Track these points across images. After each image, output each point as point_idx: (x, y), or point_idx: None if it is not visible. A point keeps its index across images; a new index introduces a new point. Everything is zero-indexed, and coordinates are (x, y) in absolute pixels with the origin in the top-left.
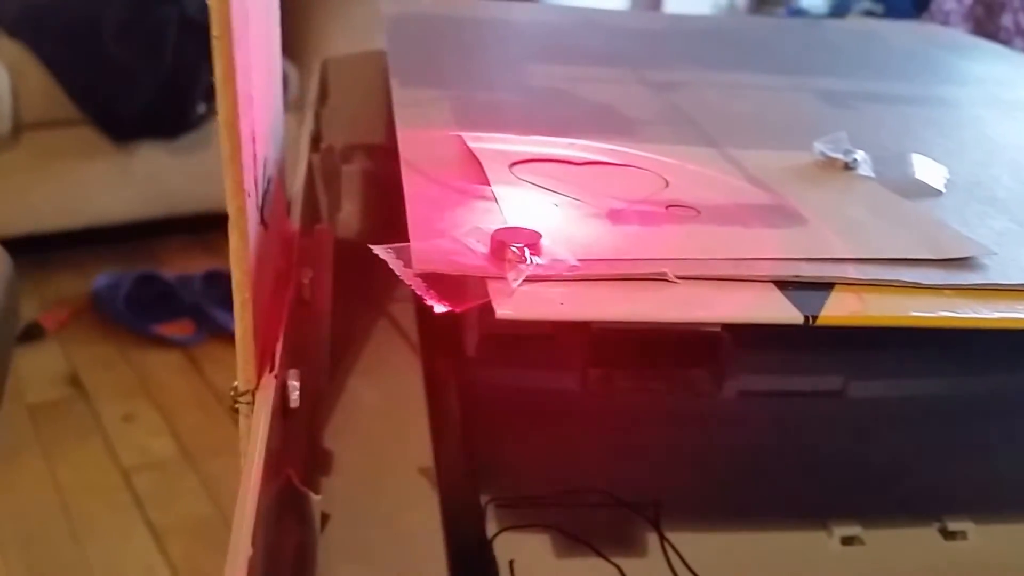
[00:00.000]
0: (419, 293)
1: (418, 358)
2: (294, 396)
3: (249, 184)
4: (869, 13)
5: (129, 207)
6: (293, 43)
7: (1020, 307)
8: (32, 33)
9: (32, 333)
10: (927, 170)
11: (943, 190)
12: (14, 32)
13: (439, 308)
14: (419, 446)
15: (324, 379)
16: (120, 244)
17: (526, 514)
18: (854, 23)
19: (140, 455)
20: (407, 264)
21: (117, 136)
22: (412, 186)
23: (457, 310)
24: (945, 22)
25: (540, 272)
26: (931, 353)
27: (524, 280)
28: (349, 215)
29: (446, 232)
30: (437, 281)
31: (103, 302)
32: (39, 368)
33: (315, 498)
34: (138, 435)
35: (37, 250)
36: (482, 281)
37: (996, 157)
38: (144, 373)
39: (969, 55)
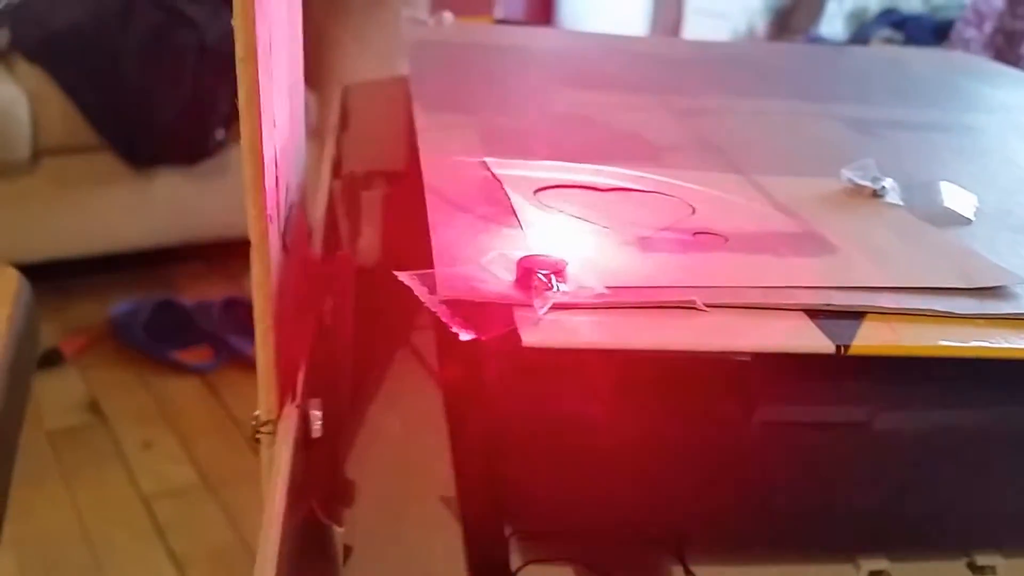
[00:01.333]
0: (445, 320)
1: (439, 387)
2: (316, 426)
3: (271, 209)
4: (889, 41)
5: (148, 233)
6: (310, 70)
7: None
8: (52, 60)
9: (51, 359)
10: (956, 198)
11: (972, 218)
12: (34, 59)
13: (465, 336)
14: (442, 476)
15: (346, 408)
16: (139, 270)
17: (551, 547)
18: (878, 50)
19: (160, 482)
20: (432, 291)
21: (136, 163)
22: (436, 212)
23: (483, 338)
24: (965, 49)
25: (567, 299)
26: (961, 384)
27: (551, 308)
28: (369, 242)
29: (471, 259)
30: (462, 308)
31: (122, 328)
32: (58, 394)
33: (338, 531)
34: (158, 462)
35: (56, 276)
36: (508, 309)
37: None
38: (163, 399)
39: (994, 82)
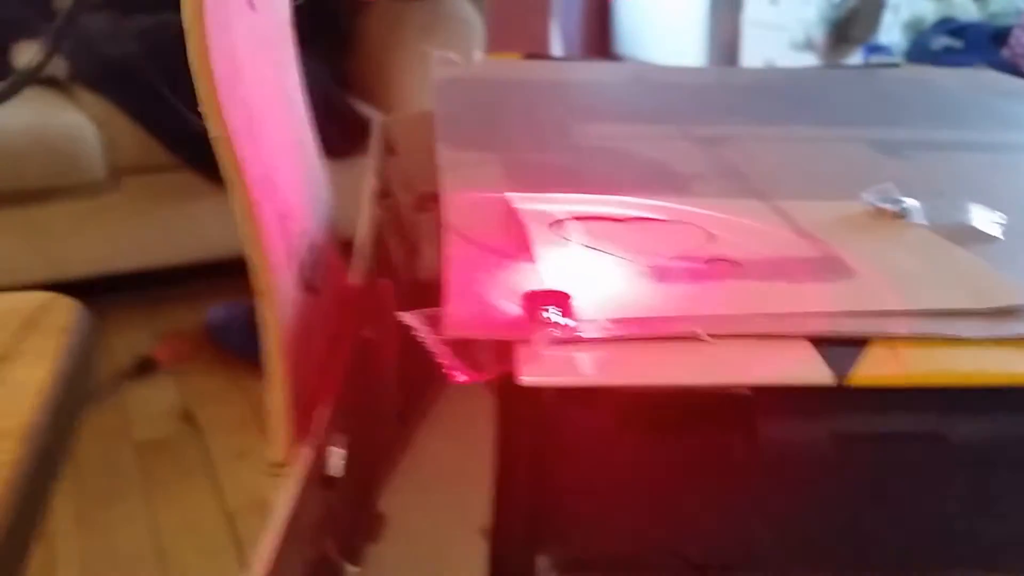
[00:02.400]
0: (442, 362)
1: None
2: (337, 464)
3: (277, 262)
4: (948, 49)
5: (237, 242)
6: (376, 96)
7: None
8: (113, 88)
9: (145, 368)
10: (981, 216)
11: (999, 236)
12: (95, 87)
13: (461, 377)
14: (482, 507)
15: (391, 437)
16: (234, 277)
17: None
18: (908, 71)
19: (247, 495)
20: (437, 329)
21: (214, 177)
22: (452, 250)
23: (479, 379)
24: None
25: (570, 335)
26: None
27: (554, 343)
28: (430, 258)
29: (483, 295)
30: (468, 344)
31: (218, 333)
32: (150, 403)
33: (353, 570)
34: (249, 473)
35: (151, 285)
36: (511, 345)
37: None
38: (260, 407)
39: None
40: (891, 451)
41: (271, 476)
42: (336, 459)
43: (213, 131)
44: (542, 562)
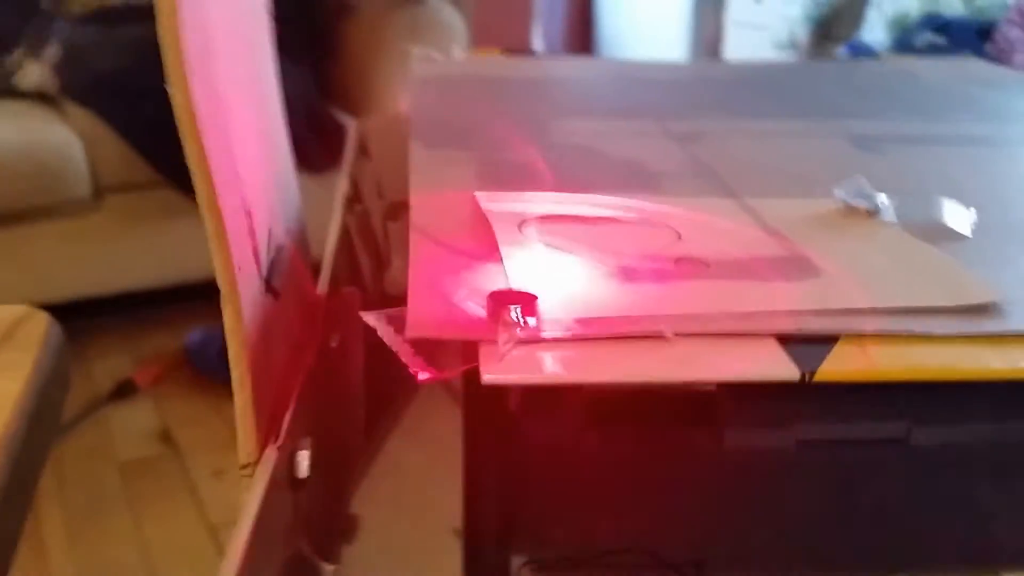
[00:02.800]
0: (405, 360)
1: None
2: (303, 466)
3: (242, 259)
4: (932, 45)
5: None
6: (355, 102)
7: None
8: (101, 103)
9: (125, 390)
10: (953, 213)
11: (969, 233)
12: (84, 103)
13: (423, 375)
14: (454, 508)
15: (358, 442)
16: (212, 300)
17: None
18: (891, 64)
19: (229, 511)
20: (400, 330)
21: (193, 194)
22: (418, 251)
23: (441, 377)
24: (1010, 51)
25: (534, 334)
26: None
27: (518, 342)
28: (399, 271)
29: (448, 296)
30: (432, 347)
31: (196, 356)
32: (132, 425)
33: (327, 568)
34: (228, 491)
35: (129, 308)
36: (475, 345)
37: None
38: (235, 426)
39: (1010, 91)
40: (854, 450)
41: (245, 478)
42: (302, 461)
43: (178, 112)
44: (516, 561)
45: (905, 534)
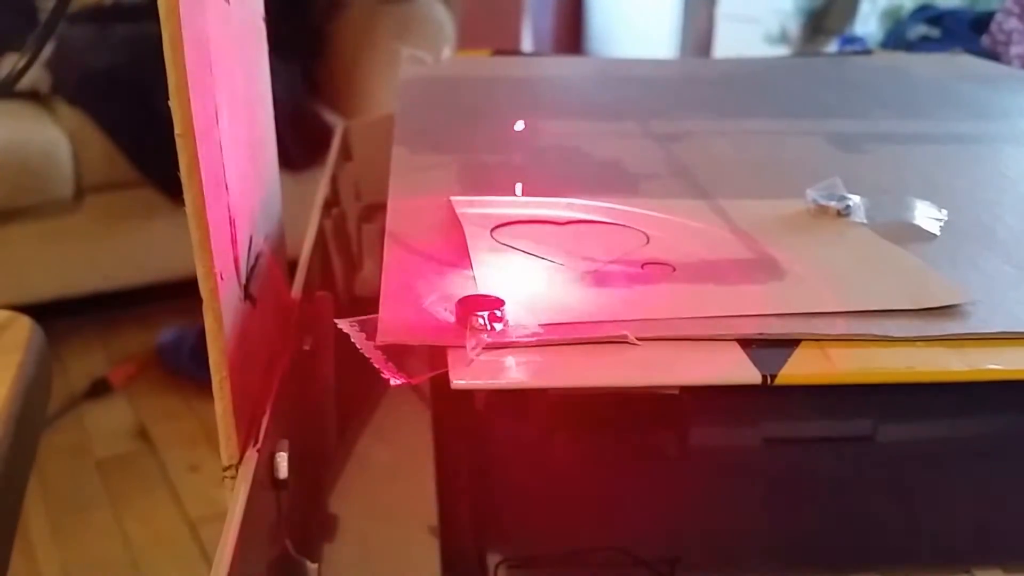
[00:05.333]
0: (377, 366)
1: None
2: (283, 467)
3: (223, 267)
4: (925, 38)
5: (192, 262)
6: (343, 103)
7: (998, 358)
8: (91, 101)
9: (100, 389)
10: (923, 213)
11: (937, 233)
12: (74, 101)
13: (394, 381)
14: (428, 506)
15: (332, 443)
16: (184, 299)
17: (539, 575)
18: (880, 58)
19: (207, 506)
20: (371, 336)
21: (175, 195)
22: (392, 257)
23: (412, 382)
24: (1007, 43)
25: (501, 339)
26: (955, 396)
27: (485, 348)
28: (371, 274)
29: (419, 302)
30: (403, 352)
31: (168, 355)
32: (107, 423)
33: (311, 566)
34: (204, 485)
35: (104, 308)
36: (444, 350)
37: (1006, 195)
38: (209, 423)
39: (998, 87)
40: (821, 448)
41: (226, 480)
42: (281, 462)
43: (179, 127)
44: (492, 559)
45: (874, 530)
